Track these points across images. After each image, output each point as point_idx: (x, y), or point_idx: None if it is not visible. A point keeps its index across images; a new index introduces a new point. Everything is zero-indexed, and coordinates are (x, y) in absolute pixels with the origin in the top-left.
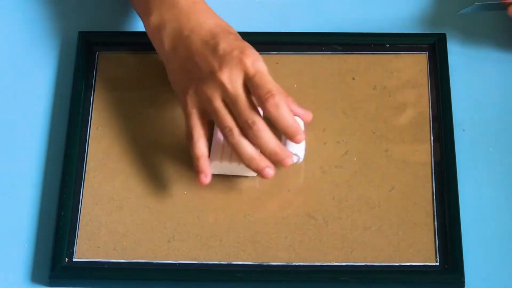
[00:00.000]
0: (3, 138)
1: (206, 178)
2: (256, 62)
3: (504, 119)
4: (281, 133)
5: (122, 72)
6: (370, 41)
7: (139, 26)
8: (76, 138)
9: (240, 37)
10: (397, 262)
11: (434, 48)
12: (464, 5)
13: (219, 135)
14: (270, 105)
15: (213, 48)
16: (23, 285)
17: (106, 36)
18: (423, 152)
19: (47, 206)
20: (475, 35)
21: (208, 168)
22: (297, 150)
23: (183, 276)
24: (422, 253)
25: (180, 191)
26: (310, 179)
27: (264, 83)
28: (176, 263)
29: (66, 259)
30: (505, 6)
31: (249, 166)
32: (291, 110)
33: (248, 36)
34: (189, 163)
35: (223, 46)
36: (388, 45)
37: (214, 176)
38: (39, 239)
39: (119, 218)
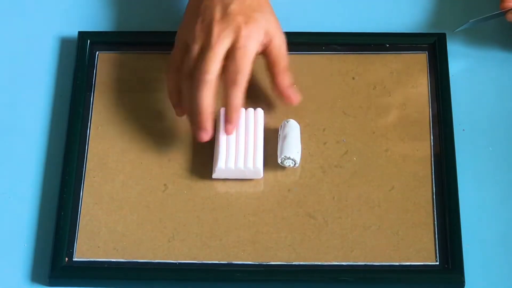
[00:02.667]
0: (3, 138)
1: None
2: (249, 39)
3: (504, 119)
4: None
5: (122, 72)
6: (370, 41)
7: (139, 26)
8: (76, 138)
9: (258, 6)
10: (397, 262)
11: (434, 48)
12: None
13: (221, 140)
14: (231, 82)
15: (226, 3)
16: (23, 285)
17: (106, 36)
18: (423, 152)
19: (47, 206)
20: (475, 35)
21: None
22: (293, 155)
23: (183, 276)
24: (422, 252)
25: (180, 191)
26: (310, 179)
27: (241, 62)
28: (176, 263)
29: (66, 259)
30: (502, 13)
31: (169, 95)
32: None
33: None
34: (189, 163)
35: (234, 6)
36: (388, 45)
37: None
38: (39, 239)
39: (119, 218)
